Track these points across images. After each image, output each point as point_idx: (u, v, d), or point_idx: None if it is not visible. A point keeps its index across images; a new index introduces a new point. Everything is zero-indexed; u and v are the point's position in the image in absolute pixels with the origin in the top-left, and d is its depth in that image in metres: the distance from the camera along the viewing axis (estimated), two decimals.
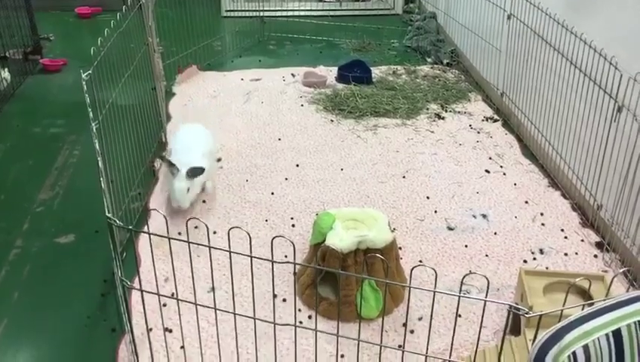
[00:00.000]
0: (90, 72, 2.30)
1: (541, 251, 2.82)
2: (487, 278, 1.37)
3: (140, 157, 3.24)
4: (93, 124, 2.09)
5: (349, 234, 2.44)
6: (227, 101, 4.24)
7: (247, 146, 3.68)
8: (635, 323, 1.04)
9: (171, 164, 2.89)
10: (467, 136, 3.82)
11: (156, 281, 1.74)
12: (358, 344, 1.93)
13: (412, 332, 2.40)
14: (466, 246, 2.87)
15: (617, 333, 1.03)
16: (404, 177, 3.40)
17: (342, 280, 2.38)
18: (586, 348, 1.01)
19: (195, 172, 2.89)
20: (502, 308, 2.50)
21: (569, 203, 3.17)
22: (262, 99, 4.28)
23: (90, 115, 2.02)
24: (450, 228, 2.98)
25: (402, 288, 2.54)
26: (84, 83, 2.23)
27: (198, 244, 1.58)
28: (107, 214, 1.51)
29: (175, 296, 1.72)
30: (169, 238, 1.55)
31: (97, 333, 2.38)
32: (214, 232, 2.89)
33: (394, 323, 2.43)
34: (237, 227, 1.52)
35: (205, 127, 3.32)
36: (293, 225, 2.99)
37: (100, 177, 1.69)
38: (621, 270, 1.58)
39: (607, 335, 1.02)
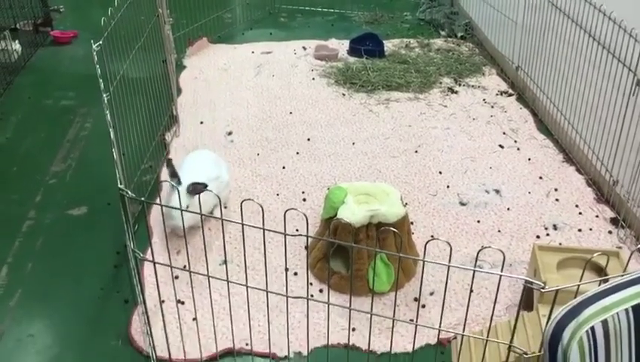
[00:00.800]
0: (100, 42, 2.28)
1: (555, 227, 2.79)
2: (502, 252, 1.35)
3: (152, 131, 3.23)
4: (104, 96, 2.08)
5: (360, 208, 2.42)
6: (238, 74, 4.21)
7: (258, 120, 3.65)
8: None
9: (174, 174, 2.56)
10: (481, 111, 3.77)
11: (168, 253, 1.74)
12: (371, 317, 1.93)
13: (423, 306, 2.40)
14: (478, 221, 2.85)
15: (637, 308, 1.01)
16: (416, 152, 3.37)
17: (354, 254, 2.37)
18: (604, 323, 0.99)
19: (196, 188, 2.48)
20: (514, 284, 2.49)
21: (584, 178, 3.13)
22: (273, 72, 4.24)
23: (102, 86, 2.00)
24: (462, 204, 2.96)
25: (414, 263, 2.53)
26: (94, 54, 2.21)
27: (210, 217, 1.57)
28: (119, 186, 1.50)
29: (187, 269, 1.72)
30: (181, 210, 1.54)
31: (110, 304, 2.40)
32: (225, 206, 2.89)
33: (405, 298, 2.43)
34: (249, 199, 1.50)
35: (214, 154, 2.96)
36: (304, 199, 2.98)
37: (112, 149, 1.68)
38: (638, 246, 1.55)
39: (626, 310, 1.01)
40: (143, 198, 1.50)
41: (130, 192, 1.50)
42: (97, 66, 2.14)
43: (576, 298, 1.03)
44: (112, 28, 2.50)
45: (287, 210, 1.44)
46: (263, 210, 1.51)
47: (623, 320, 1.01)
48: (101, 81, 2.03)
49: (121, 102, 2.79)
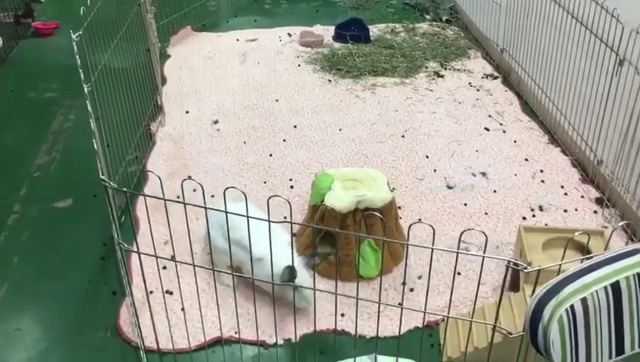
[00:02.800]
0: (80, 33, 2.25)
1: (540, 208, 2.81)
2: (485, 234, 1.36)
3: (136, 121, 3.21)
4: (85, 86, 2.06)
5: (347, 194, 2.42)
6: (223, 62, 4.18)
7: (244, 108, 3.64)
8: (633, 275, 1.03)
9: (292, 274, 2.07)
10: (467, 94, 3.77)
11: (153, 244, 1.73)
12: (357, 302, 1.93)
13: (412, 290, 2.41)
14: (465, 204, 2.86)
15: (616, 286, 1.02)
16: (403, 136, 3.37)
17: (341, 240, 2.38)
18: (584, 301, 1.00)
19: (293, 273, 2.08)
20: (501, 265, 2.50)
21: (569, 159, 3.14)
22: (258, 59, 4.21)
23: (82, 76, 1.98)
24: (449, 187, 2.97)
25: (402, 248, 2.54)
26: (74, 44, 2.18)
27: (194, 205, 1.56)
28: (101, 176, 1.49)
29: (173, 258, 1.72)
30: (165, 200, 1.53)
31: (98, 296, 2.39)
32: (212, 196, 2.88)
33: (393, 282, 2.44)
34: (232, 187, 1.50)
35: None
36: (291, 187, 2.97)
37: (93, 139, 1.66)
38: (620, 223, 1.57)
39: (605, 288, 1.01)
40: (125, 189, 1.49)
41: (112, 183, 1.49)
42: (77, 57, 2.12)
43: (557, 277, 1.04)
44: (93, 18, 2.47)
45: (270, 197, 1.44)
46: (246, 197, 1.50)
47: (602, 298, 1.01)
48: (81, 71, 2.01)
49: (105, 92, 2.77)
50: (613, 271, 1.03)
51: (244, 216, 1.51)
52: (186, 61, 4.20)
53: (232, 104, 3.67)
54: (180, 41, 4.44)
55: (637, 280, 1.03)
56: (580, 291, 1.00)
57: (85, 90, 1.93)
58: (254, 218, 1.52)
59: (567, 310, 0.99)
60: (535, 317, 1.00)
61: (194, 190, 2.89)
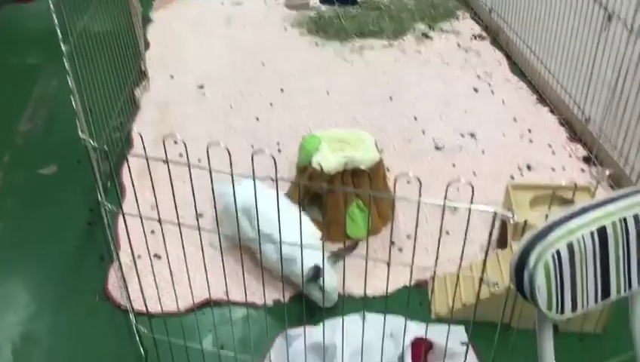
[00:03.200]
0: None
1: (529, 167, 2.81)
2: (472, 185, 1.35)
3: (119, 87, 3.15)
4: (63, 47, 2.01)
5: (335, 155, 2.40)
6: (208, 26, 4.10)
7: (230, 72, 3.58)
8: (620, 220, 1.03)
9: (317, 274, 2.03)
10: (455, 55, 3.73)
11: (137, 206, 1.71)
12: (344, 260, 1.93)
13: (400, 250, 2.41)
14: (453, 165, 2.85)
15: (602, 231, 1.02)
16: (391, 99, 3.34)
17: (329, 201, 2.37)
18: (570, 245, 0.99)
19: (318, 272, 2.05)
20: (489, 224, 2.50)
21: (557, 118, 3.14)
22: (243, 23, 4.14)
23: (59, 35, 1.93)
24: (437, 148, 2.96)
25: (389, 208, 2.53)
26: (51, 5, 2.12)
27: (176, 163, 1.54)
28: (81, 135, 1.46)
29: (158, 219, 1.70)
30: (147, 158, 1.51)
31: (86, 262, 2.38)
32: (199, 160, 2.84)
33: (382, 242, 2.44)
34: (216, 143, 1.47)
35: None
36: (279, 150, 2.95)
37: (70, 96, 1.62)
38: (607, 172, 1.56)
39: (591, 232, 1.01)
40: (105, 147, 1.46)
41: (92, 142, 1.46)
42: (54, 17, 2.06)
43: (543, 223, 1.03)
44: None
45: (254, 151, 1.42)
46: (229, 153, 1.48)
47: (588, 243, 1.01)
48: (58, 30, 1.96)
49: (86, 57, 2.70)
50: (599, 216, 1.02)
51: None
52: (170, 25, 4.12)
53: (217, 68, 3.62)
54: (164, 5, 4.35)
55: (624, 225, 1.03)
56: (566, 236, 0.99)
57: (63, 48, 1.88)
58: (239, 174, 1.50)
59: (553, 255, 0.98)
60: (521, 263, 1.00)
61: (180, 154, 2.87)
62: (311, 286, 2.07)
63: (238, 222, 2.09)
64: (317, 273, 2.02)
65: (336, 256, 2.12)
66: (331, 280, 2.08)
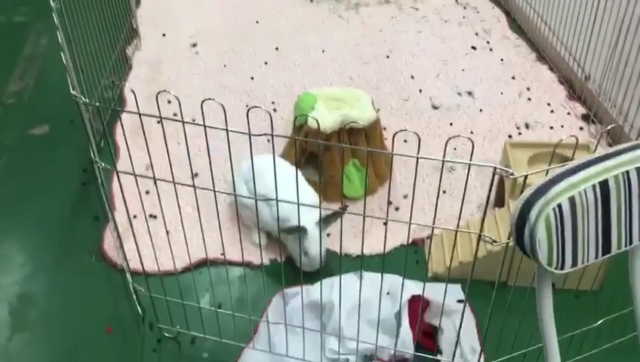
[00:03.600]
0: None
1: (527, 126, 2.78)
2: (471, 140, 1.33)
3: (110, 45, 3.08)
4: (53, 3, 1.95)
5: (331, 113, 2.37)
6: None
7: (223, 30, 3.51)
8: (622, 173, 1.01)
9: (298, 228, 1.92)
10: (453, 12, 3.66)
11: (132, 164, 1.68)
12: (342, 218, 1.93)
13: (397, 209, 2.40)
14: (451, 124, 2.82)
15: (604, 184, 1.00)
16: (387, 57, 3.28)
17: (325, 160, 2.34)
18: (572, 199, 0.98)
19: (330, 220, 2.07)
20: (486, 183, 2.49)
21: (556, 76, 3.09)
22: None
23: None
24: (435, 107, 2.92)
25: (387, 168, 2.51)
26: None
27: (170, 119, 1.51)
28: (71, 91, 1.42)
29: (153, 177, 1.68)
30: (139, 115, 1.48)
31: (81, 222, 2.36)
32: (193, 120, 2.81)
33: (379, 202, 2.43)
34: (210, 99, 1.44)
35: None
36: (275, 110, 2.91)
37: (61, 53, 1.58)
38: (608, 127, 1.54)
39: (593, 186, 0.99)
40: (97, 103, 1.42)
41: (83, 98, 1.42)
42: None
43: (544, 178, 1.02)
44: None
45: (249, 108, 1.39)
46: (224, 109, 1.45)
47: (590, 197, 0.99)
48: None
49: (76, 15, 2.63)
50: (602, 170, 1.00)
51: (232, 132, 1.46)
52: None
53: (210, 26, 3.54)
54: None
55: (626, 178, 1.01)
56: (568, 190, 0.98)
57: (52, 4, 1.82)
58: (234, 131, 1.47)
59: (554, 209, 0.97)
60: (522, 217, 0.98)
61: (174, 114, 2.84)
62: (296, 249, 2.05)
63: (234, 185, 2.06)
64: (296, 231, 1.94)
65: (325, 222, 2.05)
66: (315, 245, 2.03)
